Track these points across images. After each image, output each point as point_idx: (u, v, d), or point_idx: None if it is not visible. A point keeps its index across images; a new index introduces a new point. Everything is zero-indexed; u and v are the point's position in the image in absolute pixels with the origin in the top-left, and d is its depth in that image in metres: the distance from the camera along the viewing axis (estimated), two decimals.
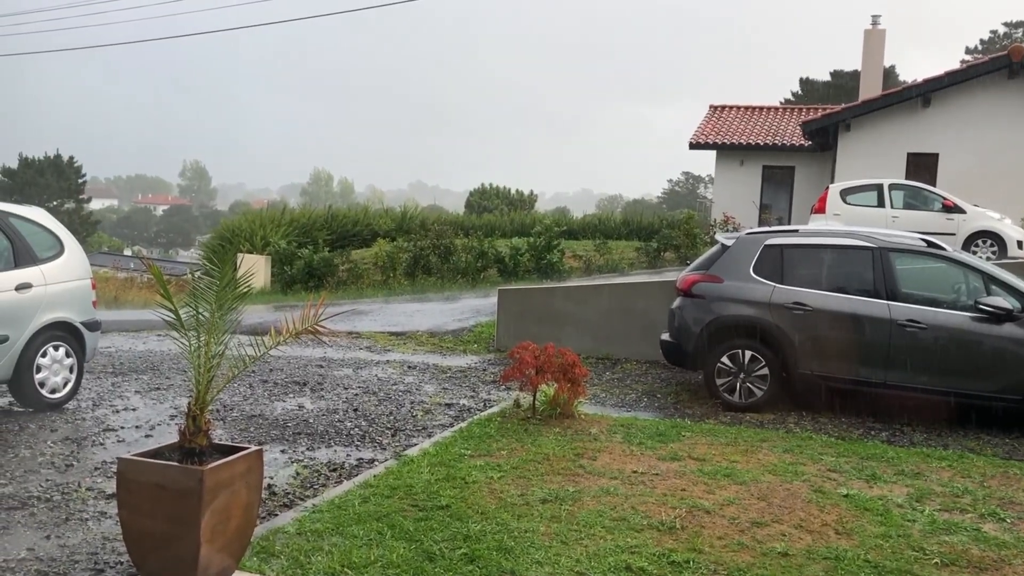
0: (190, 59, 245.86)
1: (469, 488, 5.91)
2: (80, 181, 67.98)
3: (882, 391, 8.74)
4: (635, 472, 6.40)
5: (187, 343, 4.46)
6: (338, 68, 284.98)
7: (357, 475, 6.46)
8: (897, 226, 14.95)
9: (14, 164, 65.27)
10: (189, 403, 4.40)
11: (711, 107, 29.69)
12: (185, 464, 4.21)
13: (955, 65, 25.62)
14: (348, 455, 7.12)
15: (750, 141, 26.35)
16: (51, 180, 64.35)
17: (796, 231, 9.88)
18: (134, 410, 8.46)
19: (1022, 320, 8.34)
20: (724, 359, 9.13)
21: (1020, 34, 54.35)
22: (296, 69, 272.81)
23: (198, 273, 23.33)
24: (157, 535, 4.13)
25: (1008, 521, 5.64)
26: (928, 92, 21.18)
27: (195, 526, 4.03)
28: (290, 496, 6.04)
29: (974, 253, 14.94)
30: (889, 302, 8.69)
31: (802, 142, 25.11)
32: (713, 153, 27.08)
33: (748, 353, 9.04)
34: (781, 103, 40.39)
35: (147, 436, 7.50)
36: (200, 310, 4.48)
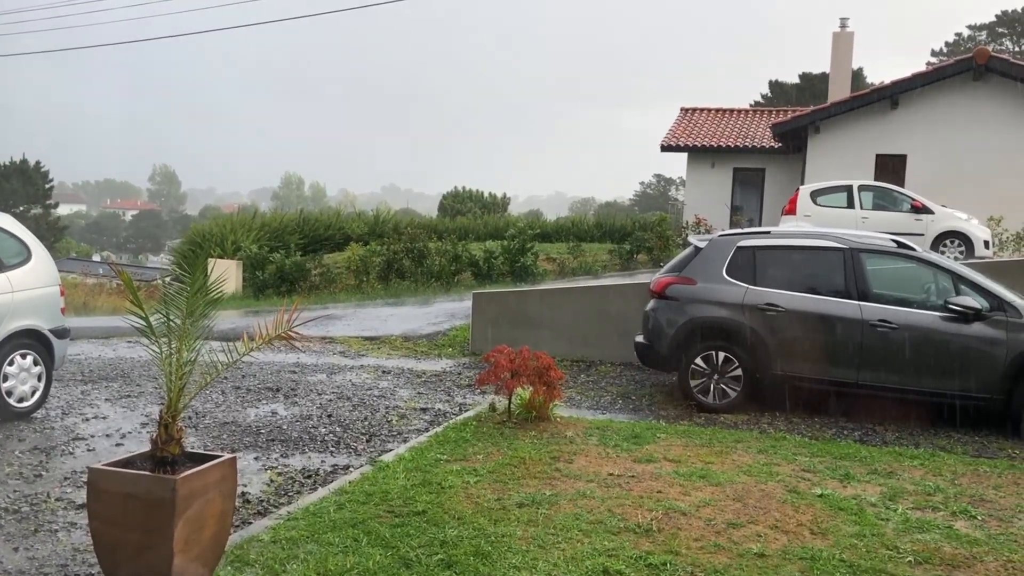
0: (159, 63, 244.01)
1: (445, 493, 5.88)
2: (47, 186, 66.99)
3: (854, 391, 8.82)
4: (611, 475, 6.40)
5: (158, 350, 4.41)
6: (309, 71, 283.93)
7: (332, 482, 6.41)
8: (867, 227, 15.09)
9: None
10: (161, 411, 4.35)
11: (682, 109, 29.84)
12: (157, 473, 4.16)
13: (922, 67, 25.92)
14: (323, 461, 7.07)
15: (721, 143, 26.51)
16: (17, 185, 63.36)
17: (768, 232, 9.94)
18: (104, 418, 8.35)
19: (991, 319, 8.44)
20: (698, 360, 9.17)
21: (984, 37, 55.21)
22: (266, 73, 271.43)
23: (168, 279, 23.11)
24: (129, 545, 4.07)
25: (979, 518, 5.71)
26: (896, 94, 21.42)
27: (168, 536, 3.98)
28: (264, 504, 5.99)
29: (942, 253, 15.12)
30: (860, 302, 8.77)
31: (772, 144, 25.30)
32: (684, 155, 27.21)
33: (722, 354, 9.09)
34: (751, 105, 40.69)
35: (118, 445, 7.40)
36: (171, 316, 4.42)
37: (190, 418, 8.20)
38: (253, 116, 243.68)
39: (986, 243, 16.27)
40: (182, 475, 4.08)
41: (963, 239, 16.25)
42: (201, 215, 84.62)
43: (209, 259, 23.38)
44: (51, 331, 8.53)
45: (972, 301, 8.51)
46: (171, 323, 4.42)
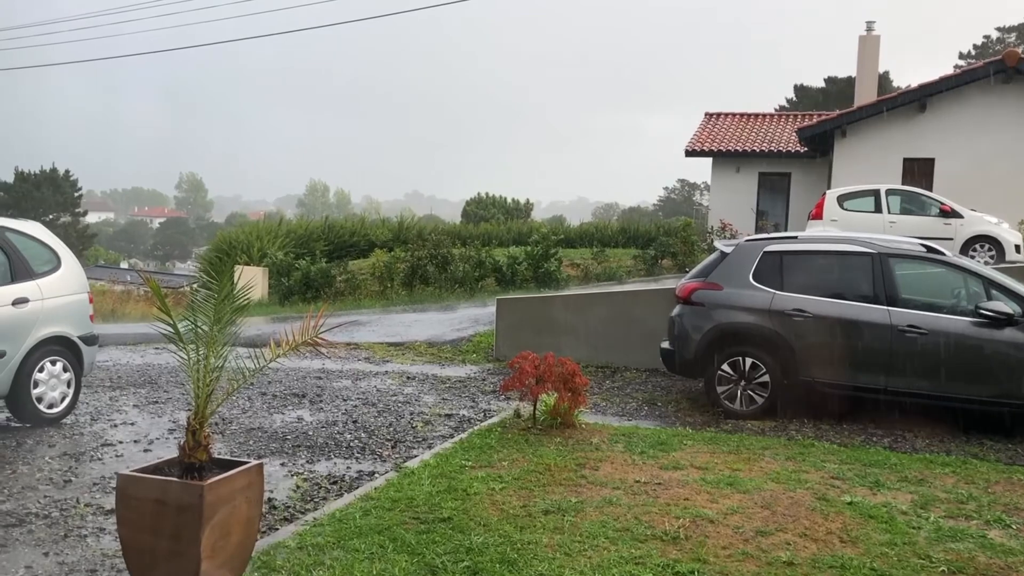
0: (186, 72, 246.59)
1: (471, 500, 5.87)
2: (76, 194, 67.92)
3: (883, 397, 8.71)
4: (637, 482, 6.36)
5: (186, 356, 4.43)
6: (334, 80, 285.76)
7: (357, 488, 6.42)
8: (895, 231, 14.96)
9: (10, 178, 65.20)
10: (188, 417, 4.37)
11: (706, 114, 29.73)
12: (185, 479, 4.18)
13: (949, 70, 25.67)
14: (348, 467, 7.08)
15: (746, 148, 26.38)
16: (47, 194, 64.28)
17: (795, 237, 9.86)
18: (132, 424, 8.41)
19: (1023, 324, 8.31)
20: (725, 367, 9.10)
21: (1014, 39, 54.55)
22: (292, 81, 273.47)
23: (196, 286, 23.30)
24: (157, 552, 4.08)
25: (1014, 527, 5.61)
26: (923, 97, 21.21)
27: (195, 542, 3.99)
28: (291, 510, 6.00)
29: (972, 257, 14.92)
30: (889, 308, 8.67)
31: (798, 148, 25.13)
32: (709, 160, 27.09)
33: (749, 360, 9.01)
34: (776, 110, 40.49)
35: (146, 451, 7.45)
36: (199, 323, 4.45)
37: (217, 424, 8.25)
38: (279, 124, 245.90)
39: (1017, 247, 16.05)
40: (209, 481, 4.10)
41: (993, 243, 16.05)
42: (227, 222, 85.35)
43: (236, 266, 23.59)
44: (80, 338, 8.61)
45: (1004, 306, 8.38)
46: (199, 330, 4.44)
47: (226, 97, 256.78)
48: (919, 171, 21.05)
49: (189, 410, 4.44)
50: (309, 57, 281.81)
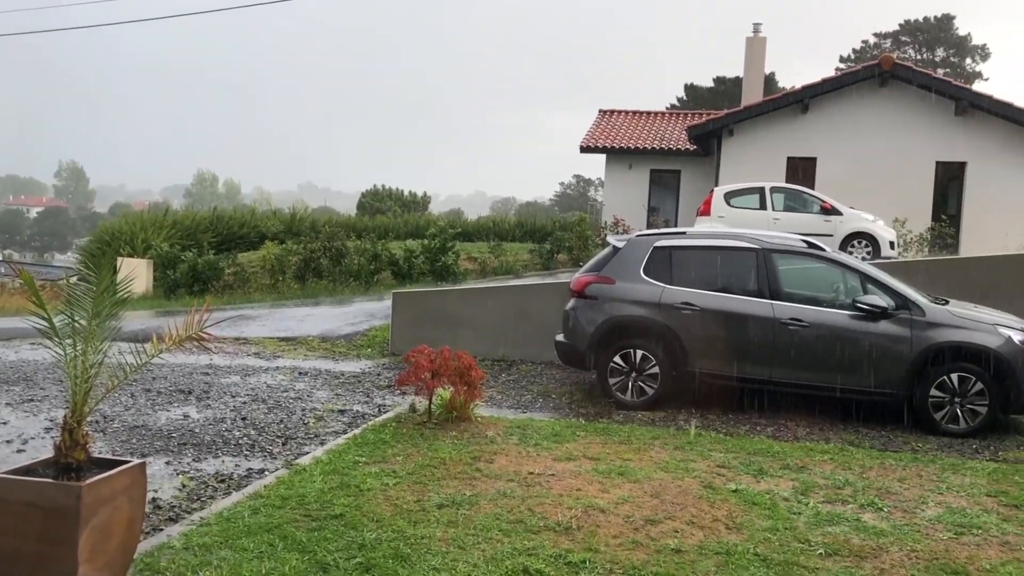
0: (65, 56, 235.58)
1: (364, 496, 5.81)
2: None
3: (767, 388, 9.03)
4: (531, 474, 6.42)
5: (62, 352, 4.24)
6: (223, 65, 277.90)
7: (246, 486, 6.27)
8: (779, 228, 15.47)
9: None
10: (65, 415, 4.19)
11: (601, 112, 30.15)
12: (61, 480, 4.00)
13: (831, 73, 26.73)
14: (237, 465, 6.90)
15: (638, 145, 26.88)
16: None
17: (684, 233, 10.10)
18: (5, 424, 8.00)
19: (896, 318, 8.74)
20: (617, 359, 9.27)
21: (889, 44, 57.31)
22: (178, 67, 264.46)
23: (74, 278, 22.29)
24: (31, 557, 3.90)
25: (886, 510, 5.90)
26: (806, 98, 22.02)
27: (73, 545, 3.83)
28: (176, 510, 5.81)
29: (850, 253, 15.60)
30: (773, 301, 8.99)
31: (688, 146, 25.76)
32: (603, 157, 27.50)
33: (640, 353, 9.20)
34: (668, 108, 41.39)
35: (19, 451, 7.10)
36: (76, 317, 4.26)
37: (97, 422, 7.92)
38: (166, 112, 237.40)
39: (891, 244, 16.86)
40: (88, 482, 3.94)
41: (870, 240, 16.80)
42: (110, 212, 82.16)
43: (118, 258, 22.69)
44: None
45: (879, 300, 8.80)
46: (76, 324, 4.26)
47: (110, 83, 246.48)
48: (802, 170, 21.87)
49: (67, 408, 4.25)
50: (199, 42, 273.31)
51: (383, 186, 47.79)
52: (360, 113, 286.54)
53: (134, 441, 7.50)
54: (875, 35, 59.54)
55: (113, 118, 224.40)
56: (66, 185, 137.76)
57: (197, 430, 7.93)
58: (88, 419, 4.23)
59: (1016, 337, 8.61)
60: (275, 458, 7.12)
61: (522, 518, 5.44)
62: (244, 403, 9.11)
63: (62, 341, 4.25)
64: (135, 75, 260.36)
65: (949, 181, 21.68)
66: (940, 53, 58.38)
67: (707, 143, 24.29)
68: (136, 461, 4.32)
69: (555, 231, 25.27)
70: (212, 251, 23.48)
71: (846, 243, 16.69)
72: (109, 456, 4.49)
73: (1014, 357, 8.47)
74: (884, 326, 8.75)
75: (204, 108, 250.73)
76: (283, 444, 7.58)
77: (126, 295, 4.54)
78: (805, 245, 9.45)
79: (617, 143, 27.11)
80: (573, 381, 10.71)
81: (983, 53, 58.49)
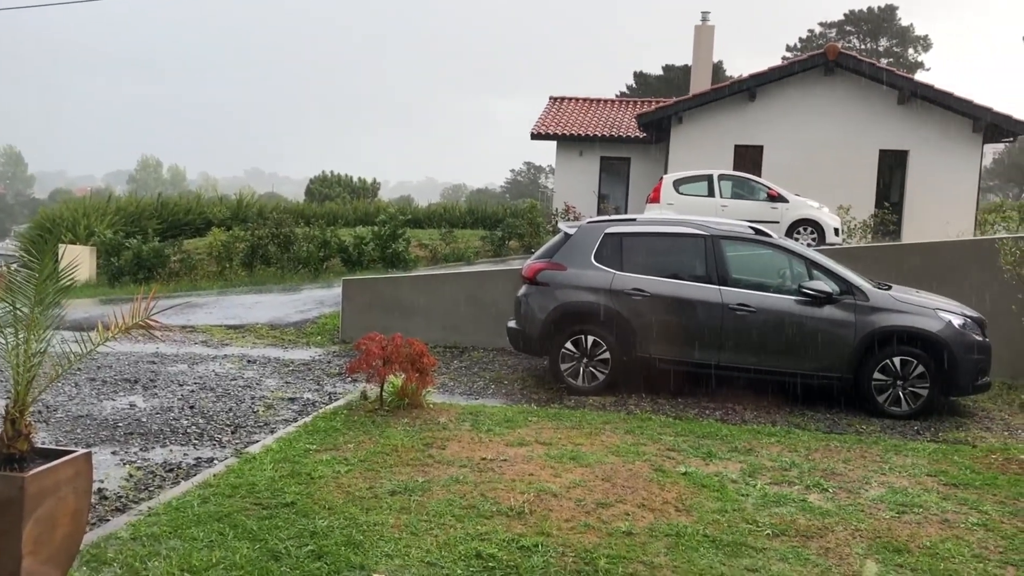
0: (1, 39, 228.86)
1: (315, 483, 5.78)
2: None
3: (716, 372, 9.16)
4: (484, 459, 6.44)
5: (3, 341, 4.14)
6: (166, 48, 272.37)
7: (195, 475, 6.19)
8: (726, 215, 15.67)
9: None
10: (7, 405, 4.10)
11: (551, 99, 30.17)
12: (3, 471, 3.91)
13: (777, 62, 27.07)
14: (185, 454, 6.81)
15: (589, 132, 26.96)
16: None
17: (634, 220, 10.18)
18: None
19: (841, 303, 8.92)
20: (568, 345, 9.32)
21: (834, 34, 58.21)
22: (119, 48, 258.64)
23: (15, 266, 21.72)
24: None
25: (831, 491, 6.03)
26: (753, 87, 22.28)
27: (16, 537, 3.75)
28: (123, 500, 5.72)
29: (796, 240, 15.86)
30: (721, 287, 9.11)
31: (637, 134, 25.90)
32: (554, 144, 27.53)
33: (591, 338, 9.27)
34: (618, 96, 41.58)
35: None
36: (18, 305, 4.16)
37: (41, 412, 7.75)
38: (107, 96, 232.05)
39: (836, 230, 17.17)
40: (31, 472, 3.85)
41: (815, 227, 17.08)
42: (51, 198, 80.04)
43: (60, 245, 22.15)
44: None
45: (824, 285, 8.97)
46: (18, 312, 4.16)
47: (45, 68, 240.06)
48: (749, 158, 22.13)
49: (8, 398, 4.15)
50: (139, 23, 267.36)
51: (332, 172, 47.34)
52: (308, 99, 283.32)
53: (79, 431, 7.36)
54: (821, 25, 60.48)
55: (53, 103, 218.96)
56: (3, 170, 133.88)
57: (144, 419, 7.81)
58: (31, 409, 4.14)
59: (956, 321, 8.85)
60: (224, 447, 7.04)
61: (475, 503, 5.46)
62: (192, 392, 8.99)
63: (3, 330, 4.15)
64: (75, 60, 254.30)
65: (892, 169, 22.12)
66: (883, 43, 59.51)
67: (656, 131, 24.45)
68: (81, 451, 4.24)
69: (506, 218, 25.25)
70: (157, 238, 23.03)
71: (792, 230, 16.95)
72: (53, 446, 4.40)
73: (954, 341, 8.70)
74: (829, 311, 8.92)
75: (148, 94, 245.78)
76: (232, 433, 7.50)
77: (69, 283, 4.44)
78: (752, 232, 9.59)
79: (568, 130, 27.16)
80: (525, 367, 10.75)
81: (925, 44, 59.75)
